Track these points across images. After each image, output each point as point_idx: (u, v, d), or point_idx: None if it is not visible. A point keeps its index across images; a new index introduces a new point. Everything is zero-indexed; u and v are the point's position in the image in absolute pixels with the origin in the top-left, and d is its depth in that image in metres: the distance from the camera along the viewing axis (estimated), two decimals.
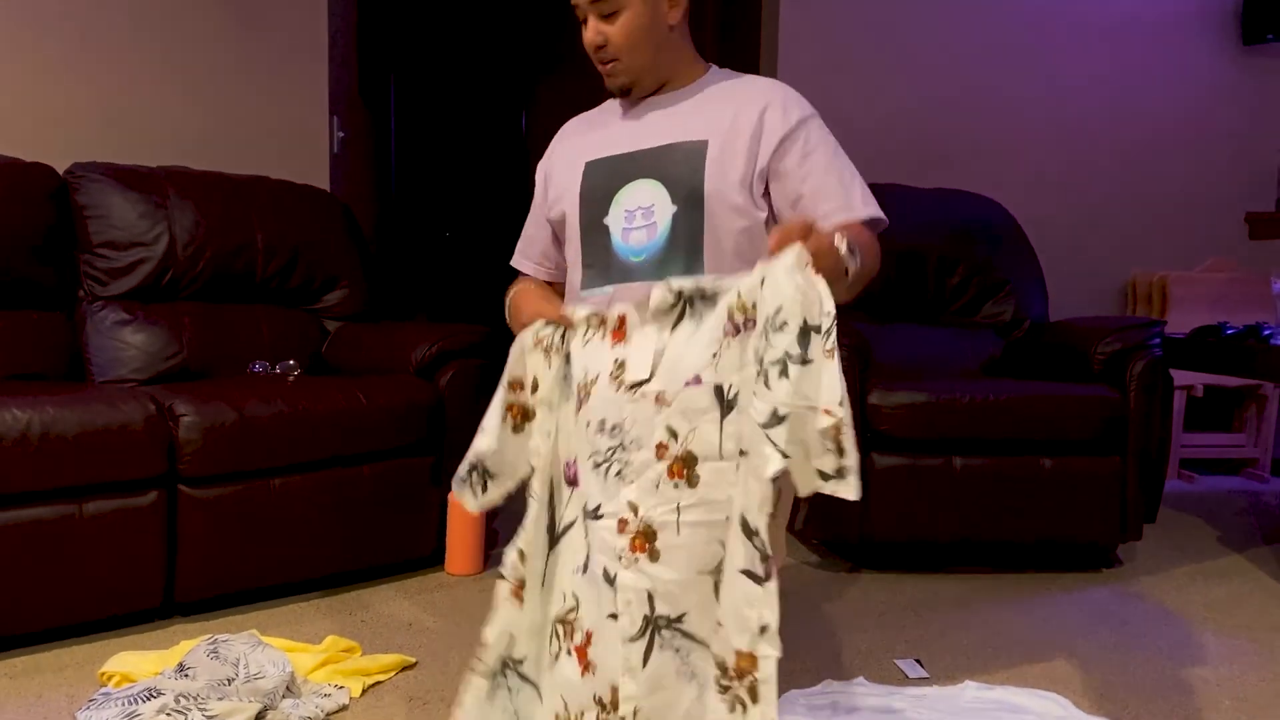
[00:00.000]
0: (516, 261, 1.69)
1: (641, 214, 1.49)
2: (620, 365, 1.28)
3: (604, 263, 1.50)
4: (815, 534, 2.65)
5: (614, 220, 1.50)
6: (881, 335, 2.81)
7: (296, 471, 2.16)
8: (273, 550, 2.14)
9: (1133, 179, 4.07)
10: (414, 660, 1.88)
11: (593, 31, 1.47)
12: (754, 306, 1.13)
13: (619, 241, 1.49)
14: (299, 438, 2.15)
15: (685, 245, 1.46)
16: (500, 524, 2.89)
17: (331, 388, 2.27)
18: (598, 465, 1.27)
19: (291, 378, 2.46)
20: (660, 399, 1.21)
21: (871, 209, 1.47)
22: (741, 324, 1.16)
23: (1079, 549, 2.61)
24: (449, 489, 2.35)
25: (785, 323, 1.08)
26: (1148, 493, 2.83)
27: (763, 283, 1.12)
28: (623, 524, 1.21)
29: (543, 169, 1.64)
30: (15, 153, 2.59)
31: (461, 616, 2.13)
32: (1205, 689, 1.83)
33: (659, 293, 1.25)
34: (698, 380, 1.18)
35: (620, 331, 1.29)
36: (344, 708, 1.68)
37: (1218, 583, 2.49)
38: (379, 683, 1.78)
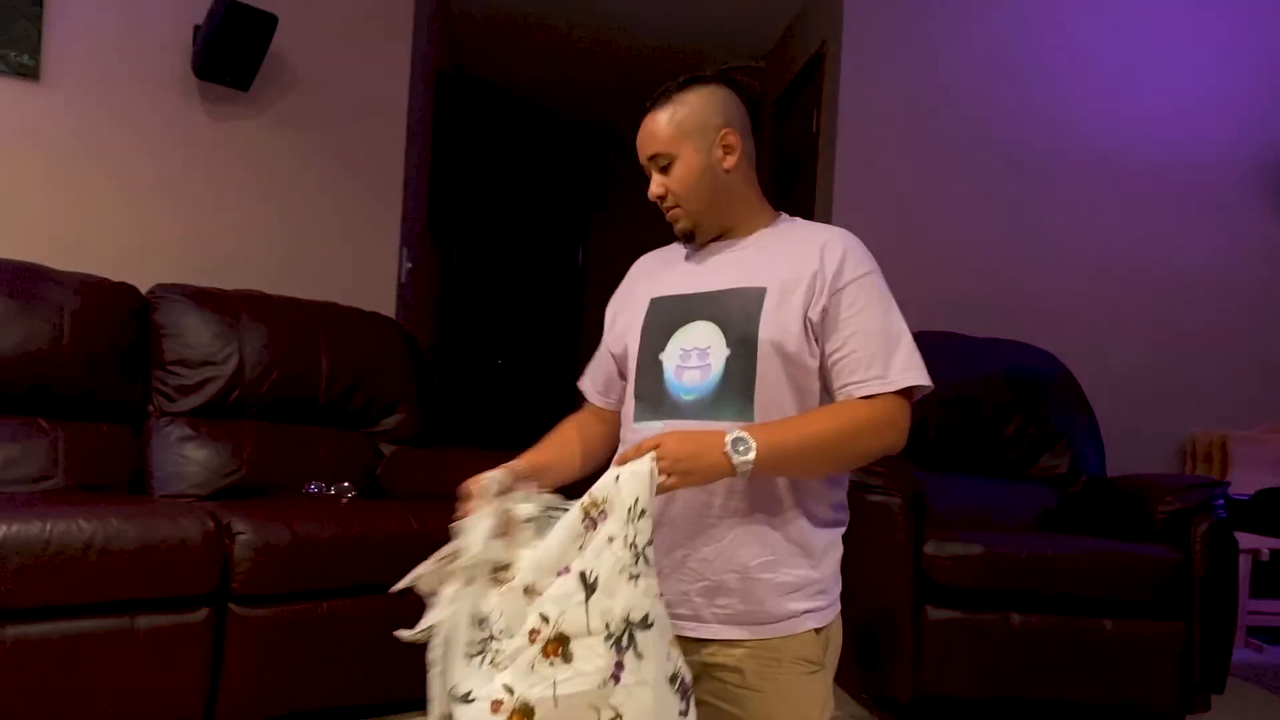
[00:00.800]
0: (582, 384, 1.74)
1: (697, 354, 1.52)
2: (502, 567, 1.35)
3: (656, 397, 1.52)
4: (864, 688, 2.56)
5: (669, 357, 1.53)
6: (936, 484, 2.78)
7: (346, 595, 2.16)
8: (319, 674, 2.12)
9: (1190, 336, 4.05)
10: None
11: (655, 184, 1.56)
12: (605, 500, 1.27)
13: (671, 378, 1.51)
14: (350, 560, 2.16)
15: (738, 388, 1.48)
16: None
17: (383, 511, 2.29)
18: (470, 656, 1.31)
19: (345, 499, 2.49)
20: (530, 590, 1.29)
21: (910, 377, 1.46)
22: (596, 517, 1.28)
23: (1142, 715, 2.49)
24: None
25: (644, 510, 1.24)
26: (1214, 660, 2.72)
27: (617, 479, 1.27)
28: (496, 705, 1.23)
29: (614, 304, 1.71)
30: (103, 272, 2.73)
31: None
32: None
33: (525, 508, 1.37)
34: (566, 570, 1.26)
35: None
36: None
37: None
38: None
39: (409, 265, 3.55)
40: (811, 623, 1.47)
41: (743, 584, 1.44)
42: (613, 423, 1.65)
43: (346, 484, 2.60)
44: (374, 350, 2.91)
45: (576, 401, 1.76)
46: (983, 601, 2.35)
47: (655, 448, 1.30)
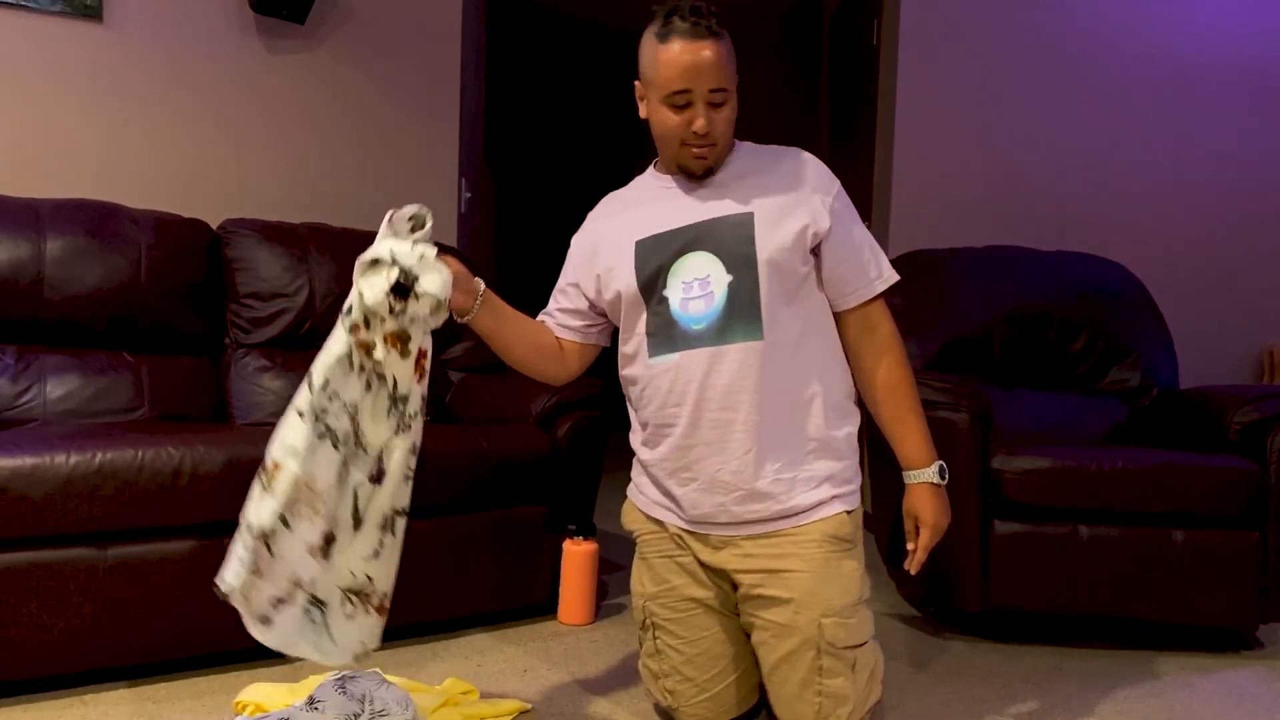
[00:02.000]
0: (543, 317, 1.86)
1: (698, 284, 1.63)
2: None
3: (666, 332, 1.65)
4: (930, 600, 2.59)
5: (672, 292, 1.64)
6: (1003, 400, 2.76)
7: (417, 516, 2.22)
8: (397, 594, 2.20)
9: (1267, 246, 3.91)
10: (529, 706, 1.90)
11: (705, 118, 1.60)
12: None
13: (679, 311, 1.64)
14: (421, 482, 2.21)
15: (744, 309, 1.62)
16: (610, 576, 2.91)
17: (455, 434, 2.34)
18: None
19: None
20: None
21: (889, 277, 1.71)
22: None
23: (1219, 630, 2.48)
24: (564, 538, 2.41)
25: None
26: None
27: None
28: None
29: (581, 245, 1.80)
30: (171, 209, 2.80)
31: (575, 665, 2.15)
32: None
33: None
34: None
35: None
36: None
37: None
38: None
39: (468, 195, 3.57)
40: (840, 506, 1.66)
41: (774, 486, 1.61)
42: (570, 355, 1.85)
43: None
44: None
45: None
46: (1051, 515, 2.34)
47: (930, 530, 1.65)
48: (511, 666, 2.13)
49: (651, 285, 1.66)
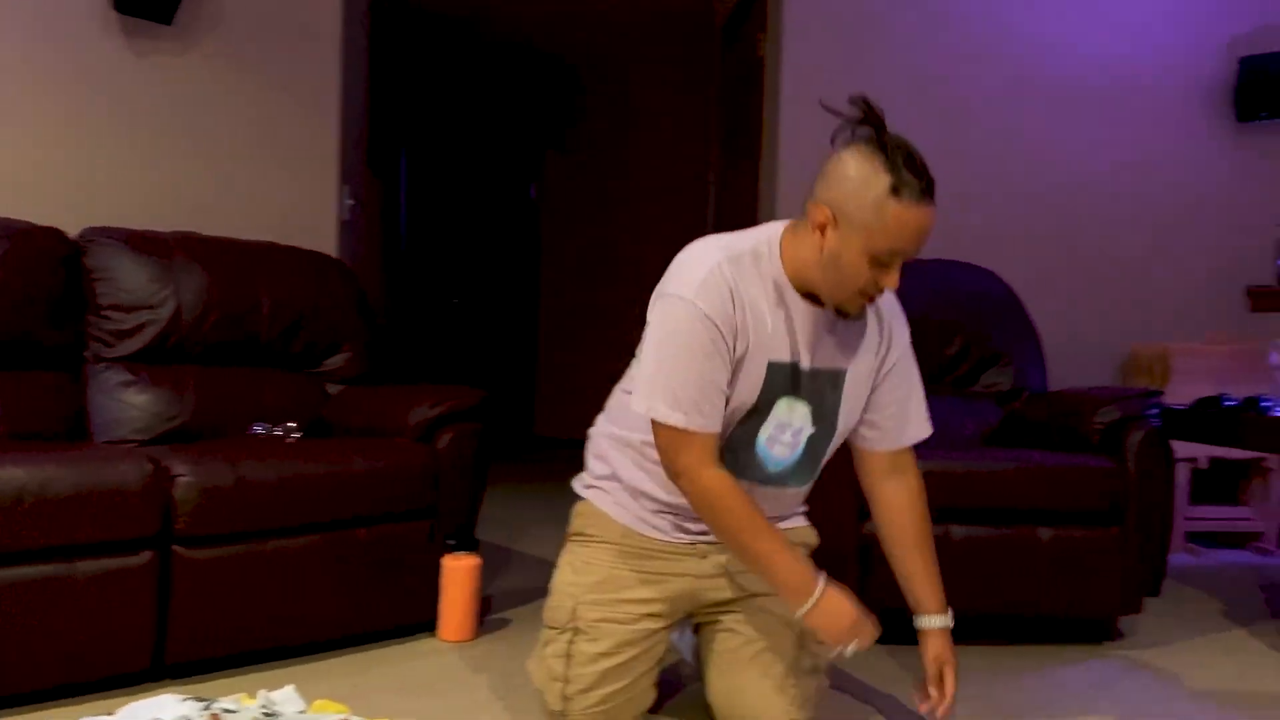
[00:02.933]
0: (696, 425, 1.57)
1: (791, 432, 1.68)
2: None
3: (743, 457, 1.68)
4: None
5: (767, 426, 1.66)
6: None
7: (292, 534, 2.16)
8: (266, 613, 2.13)
9: (1132, 252, 4.11)
10: None
11: (898, 277, 1.53)
12: None
13: (764, 447, 1.68)
14: (295, 499, 2.16)
15: (810, 463, 1.72)
16: (495, 589, 2.88)
17: (328, 450, 2.28)
18: None
19: (291, 439, 2.48)
20: None
21: (925, 428, 1.81)
22: None
23: (1081, 622, 2.58)
24: (444, 553, 2.36)
25: None
26: (1149, 565, 2.81)
27: None
28: None
29: (731, 331, 1.57)
30: (31, 217, 2.65)
31: (452, 683, 2.11)
32: None
33: None
34: None
35: None
36: None
37: (1221, 657, 2.46)
38: None
39: (350, 202, 3.49)
40: (804, 521, 1.91)
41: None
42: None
43: (292, 424, 2.59)
44: (316, 290, 2.87)
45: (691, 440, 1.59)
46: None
47: (955, 670, 1.75)
48: (388, 686, 2.08)
49: (757, 410, 1.64)
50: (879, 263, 1.49)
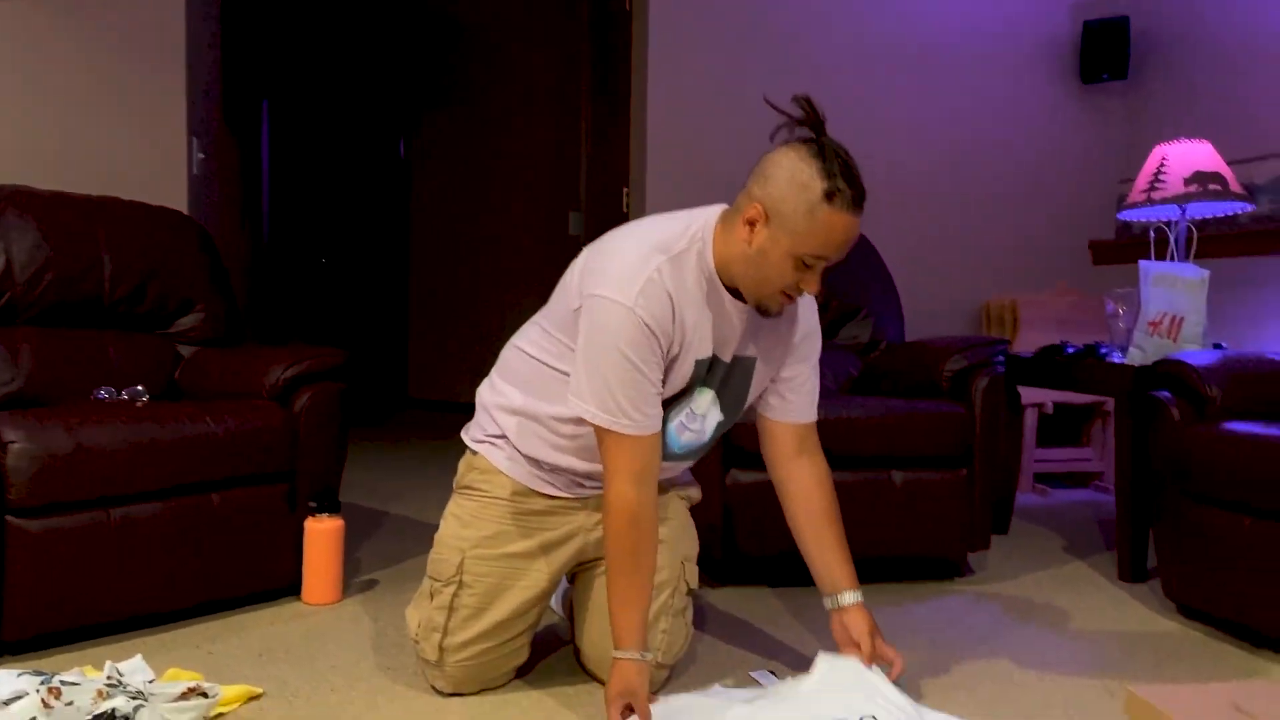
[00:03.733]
0: (631, 429, 1.58)
1: (699, 420, 1.72)
2: None
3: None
4: None
5: (677, 414, 1.70)
6: None
7: (140, 501, 2.08)
8: (114, 584, 2.04)
9: (983, 209, 4.29)
10: (261, 691, 1.82)
11: (818, 283, 1.58)
12: None
13: (673, 434, 1.71)
14: (141, 466, 2.07)
15: (711, 443, 1.79)
16: (363, 551, 2.83)
17: (178, 413, 2.19)
18: None
19: (139, 403, 2.37)
20: None
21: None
22: None
23: (933, 560, 2.71)
24: (305, 516, 2.31)
25: None
26: (997, 504, 2.96)
27: None
28: None
29: (668, 338, 1.59)
30: None
31: (316, 646, 2.07)
32: (1040, 687, 1.92)
33: None
34: None
35: None
36: None
37: (1061, 588, 2.62)
38: (221, 715, 1.72)
39: (201, 156, 3.33)
40: (687, 478, 1.97)
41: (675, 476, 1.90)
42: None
43: (140, 388, 2.48)
44: (164, 247, 2.74)
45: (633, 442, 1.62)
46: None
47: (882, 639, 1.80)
48: (246, 653, 2.03)
49: (675, 402, 1.68)
50: (803, 265, 1.53)
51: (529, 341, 1.77)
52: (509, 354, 1.82)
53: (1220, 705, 1.49)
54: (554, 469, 1.76)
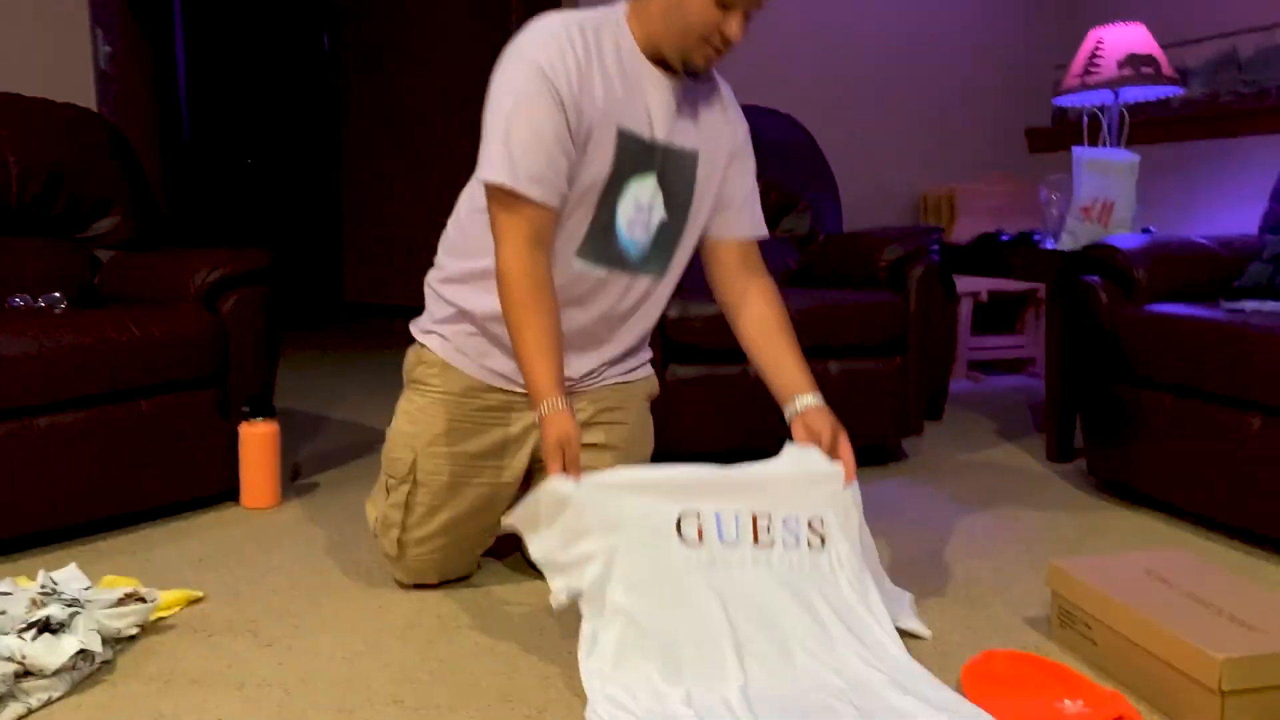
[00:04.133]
0: (538, 194, 1.49)
1: (645, 211, 1.62)
2: None
3: (604, 243, 1.62)
4: None
5: (624, 208, 1.60)
6: None
7: (62, 410, 2.02)
8: (42, 493, 2.00)
9: (923, 99, 4.26)
10: (202, 594, 1.81)
11: (739, 28, 1.52)
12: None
13: (623, 230, 1.62)
14: (63, 374, 2.00)
15: (663, 250, 1.68)
16: (303, 455, 2.81)
17: (99, 319, 2.12)
18: None
19: (58, 310, 2.29)
20: None
21: (763, 228, 1.81)
22: None
23: (869, 447, 2.77)
24: (238, 421, 2.27)
25: None
26: (931, 391, 3.02)
27: None
28: None
29: (570, 90, 1.49)
30: None
31: (256, 548, 2.07)
32: (968, 563, 1.99)
33: None
34: None
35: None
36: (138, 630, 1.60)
37: (991, 471, 2.70)
38: (162, 618, 1.71)
39: (107, 49, 3.15)
40: (649, 372, 1.91)
41: (625, 357, 1.81)
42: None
43: (58, 294, 2.39)
44: (73, 145, 2.61)
45: (497, 197, 1.50)
46: (725, 357, 2.48)
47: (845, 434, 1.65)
48: (185, 558, 2.01)
49: (613, 190, 1.57)
50: (722, 5, 1.49)
51: (462, 202, 1.73)
52: (447, 228, 1.77)
53: (1135, 573, 1.56)
54: (507, 352, 1.68)
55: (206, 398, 2.25)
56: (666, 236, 1.67)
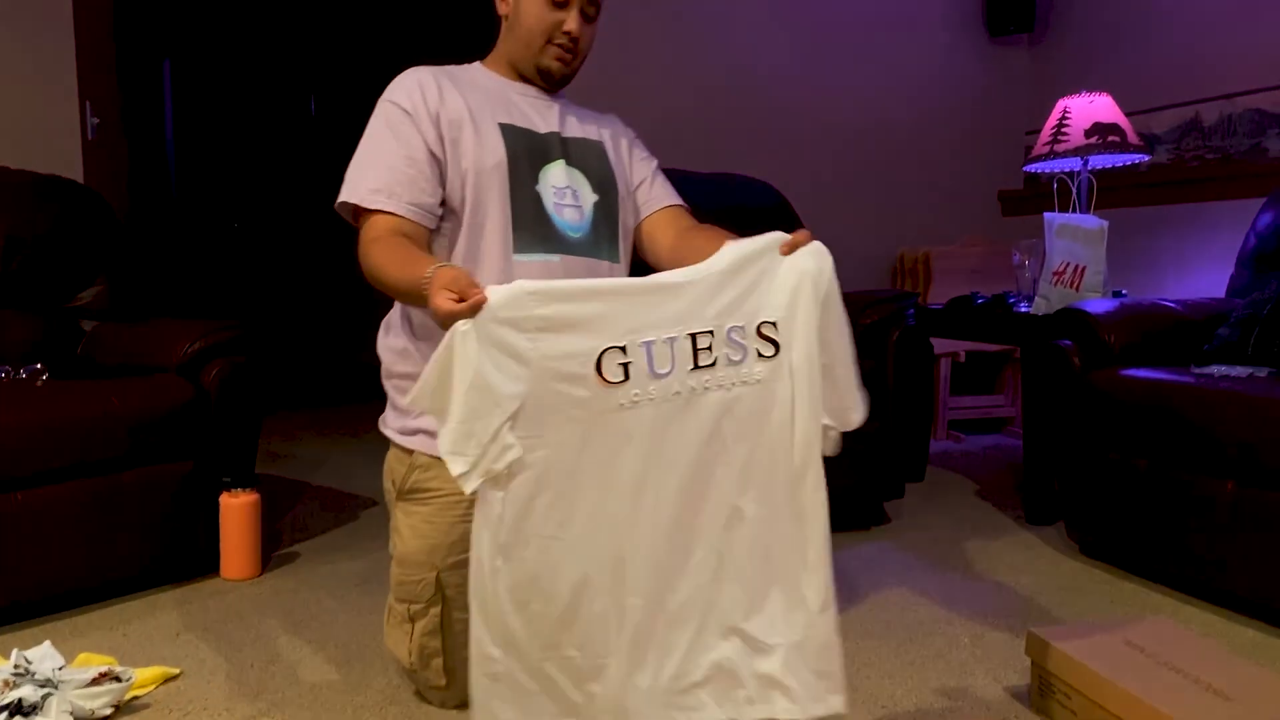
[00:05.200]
0: (379, 202, 1.48)
1: (570, 194, 1.58)
2: None
3: (540, 230, 1.54)
4: None
5: (545, 193, 1.55)
6: None
7: (43, 483, 2.01)
8: (20, 568, 1.98)
9: (898, 162, 4.34)
10: (178, 671, 1.79)
11: (579, 24, 1.57)
12: None
13: (554, 214, 1.56)
14: (43, 448, 2.00)
15: (606, 233, 1.62)
16: (284, 526, 2.80)
17: (81, 391, 2.13)
18: None
19: (39, 382, 2.29)
20: None
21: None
22: None
23: (851, 509, 2.78)
24: (219, 492, 2.27)
25: None
26: (911, 452, 3.04)
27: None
28: None
29: (417, 103, 1.53)
30: None
31: (235, 622, 2.05)
32: (949, 629, 2.00)
33: None
34: None
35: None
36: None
37: (972, 533, 2.71)
38: (137, 697, 1.69)
39: (95, 120, 3.20)
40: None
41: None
42: (423, 245, 1.50)
43: (39, 366, 2.39)
44: (58, 217, 2.63)
45: (356, 219, 1.50)
46: None
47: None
48: (163, 632, 2.00)
49: (523, 176, 1.53)
50: (555, 4, 1.56)
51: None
52: (382, 324, 1.71)
53: (1114, 641, 1.57)
54: None
55: (187, 468, 2.25)
56: (603, 215, 1.61)
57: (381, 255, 1.42)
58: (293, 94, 5.93)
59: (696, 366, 1.21)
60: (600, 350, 1.18)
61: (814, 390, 1.25)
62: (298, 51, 5.93)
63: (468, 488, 1.17)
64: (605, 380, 1.18)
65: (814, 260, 1.27)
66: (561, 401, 1.18)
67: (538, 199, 1.54)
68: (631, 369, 1.19)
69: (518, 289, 1.16)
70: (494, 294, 1.15)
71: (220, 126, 5.59)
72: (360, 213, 1.51)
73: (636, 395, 1.19)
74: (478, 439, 1.16)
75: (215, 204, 5.58)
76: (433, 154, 1.52)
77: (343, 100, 6.21)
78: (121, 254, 2.75)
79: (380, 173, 1.50)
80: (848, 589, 2.24)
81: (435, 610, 1.55)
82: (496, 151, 1.53)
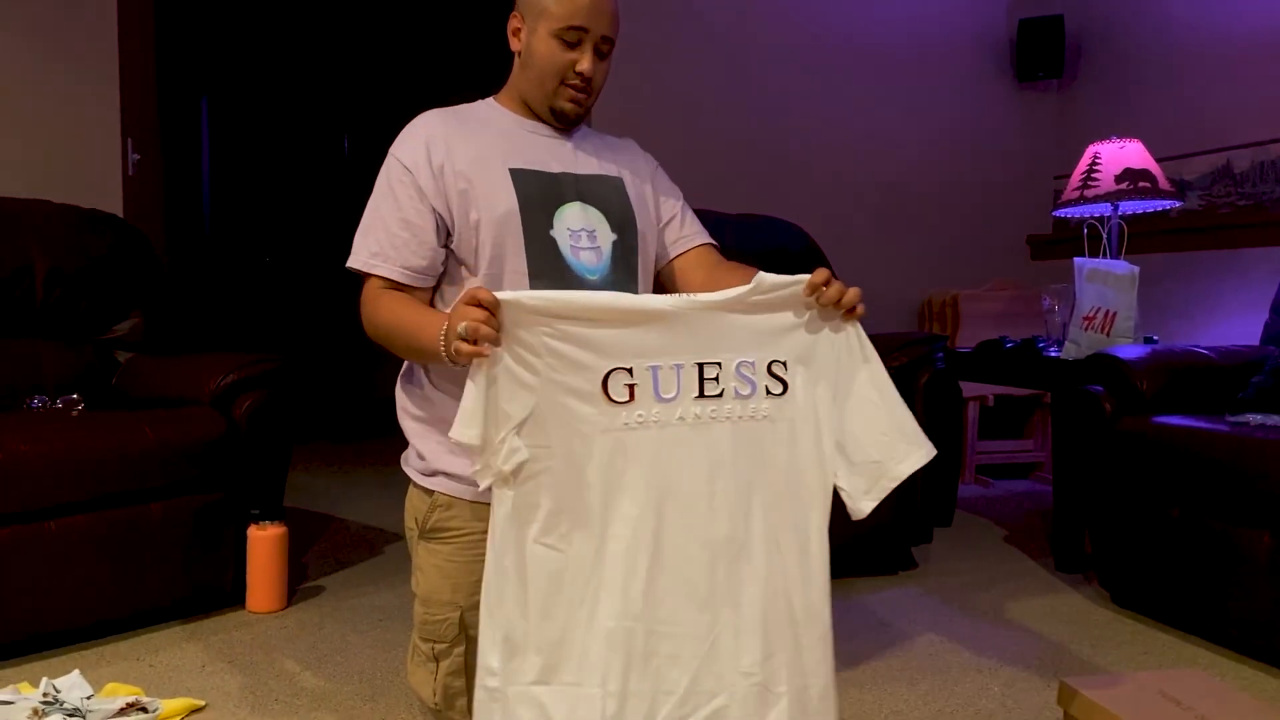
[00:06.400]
0: (377, 267, 1.51)
1: (586, 236, 1.54)
2: None
3: (556, 275, 1.51)
4: None
5: (560, 235, 1.52)
6: None
7: (76, 512, 2.04)
8: (51, 597, 2.00)
9: (925, 206, 4.35)
10: (203, 703, 1.80)
11: (591, 62, 1.52)
12: None
13: (570, 256, 1.52)
14: (77, 476, 2.03)
15: (625, 273, 1.58)
16: (311, 558, 2.81)
17: (114, 421, 2.16)
18: None
19: (75, 412, 2.33)
20: None
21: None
22: None
23: (878, 555, 2.75)
24: (247, 524, 2.28)
25: None
26: (939, 497, 3.02)
27: None
28: None
29: (419, 160, 1.51)
30: None
31: (260, 655, 2.05)
32: (978, 677, 1.97)
33: None
34: None
35: None
36: None
37: (1001, 579, 2.67)
38: None
39: (136, 157, 3.27)
40: None
41: None
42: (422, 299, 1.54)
43: (75, 396, 2.43)
44: (97, 251, 2.69)
45: (364, 284, 1.53)
46: None
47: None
48: (189, 663, 2.00)
49: (537, 221, 1.51)
50: (567, 43, 1.51)
51: None
52: (399, 381, 1.69)
53: (1148, 694, 1.54)
54: None
55: (217, 500, 2.27)
56: (622, 253, 1.58)
57: (386, 319, 1.48)
58: (327, 133, 6.04)
59: (702, 395, 1.24)
60: (607, 370, 1.22)
61: (822, 437, 1.28)
62: (332, 92, 6.04)
63: (481, 481, 1.23)
64: (611, 399, 1.22)
65: (839, 322, 1.32)
66: (569, 416, 1.22)
67: (553, 244, 1.52)
68: (637, 390, 1.23)
69: (529, 304, 1.22)
70: (508, 309, 1.21)
71: (255, 163, 5.70)
72: (363, 275, 1.55)
73: (641, 416, 1.23)
74: (488, 434, 1.22)
75: (248, 239, 5.67)
76: (435, 210, 1.51)
77: (376, 140, 6.31)
78: (158, 287, 2.80)
79: (380, 236, 1.52)
80: (875, 634, 2.22)
81: (459, 650, 1.53)
82: (508, 200, 1.51)
